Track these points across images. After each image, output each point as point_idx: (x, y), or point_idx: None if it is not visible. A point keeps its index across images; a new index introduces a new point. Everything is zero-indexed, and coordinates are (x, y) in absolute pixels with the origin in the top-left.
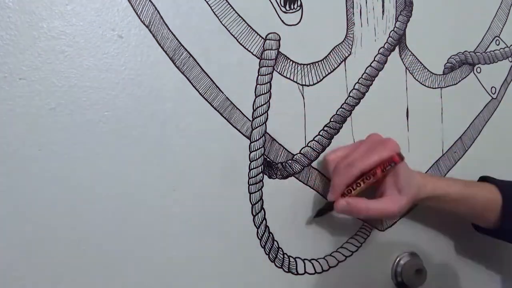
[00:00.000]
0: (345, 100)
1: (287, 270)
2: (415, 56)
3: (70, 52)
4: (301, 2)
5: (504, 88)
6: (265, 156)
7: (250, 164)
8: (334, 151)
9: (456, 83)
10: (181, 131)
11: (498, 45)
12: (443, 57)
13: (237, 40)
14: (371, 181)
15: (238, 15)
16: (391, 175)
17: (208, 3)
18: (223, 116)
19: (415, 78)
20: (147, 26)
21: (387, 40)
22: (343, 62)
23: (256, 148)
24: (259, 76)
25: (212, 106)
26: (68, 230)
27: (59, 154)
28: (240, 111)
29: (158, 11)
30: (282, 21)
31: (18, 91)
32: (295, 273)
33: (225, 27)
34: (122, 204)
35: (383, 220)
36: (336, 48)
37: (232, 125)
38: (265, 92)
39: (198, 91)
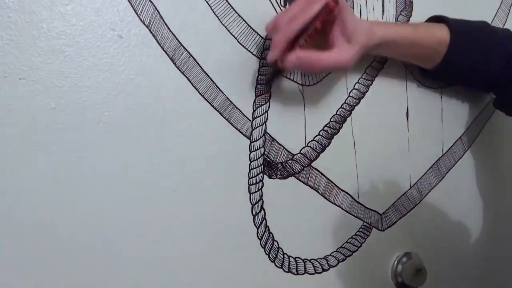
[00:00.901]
0: (345, 100)
1: (287, 270)
2: None
3: (70, 52)
4: None
5: None
6: (265, 156)
7: (250, 164)
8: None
9: None
10: (181, 131)
11: None
12: None
13: (237, 40)
14: (312, 32)
15: (238, 15)
16: (337, 24)
17: (208, 3)
18: (223, 116)
19: (415, 78)
20: (147, 26)
21: None
22: None
23: (256, 148)
24: (259, 76)
25: (212, 106)
26: (68, 230)
27: (59, 154)
28: (240, 111)
29: (158, 11)
30: None
31: (18, 91)
32: (295, 273)
33: (225, 27)
34: (122, 204)
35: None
36: None
37: (232, 125)
38: (265, 92)
39: (198, 91)
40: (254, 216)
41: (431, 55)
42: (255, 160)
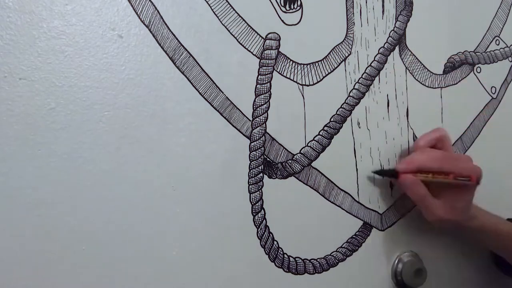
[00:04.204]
0: (345, 100)
1: (287, 270)
2: (415, 56)
3: (70, 52)
4: (301, 2)
5: (504, 88)
6: (265, 156)
7: (250, 164)
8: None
9: (456, 83)
10: (181, 131)
11: (498, 45)
12: (443, 57)
13: (237, 40)
14: (439, 180)
15: (238, 15)
16: (454, 191)
17: (208, 3)
18: (223, 116)
19: (415, 78)
20: (147, 26)
21: (387, 40)
22: (343, 62)
23: (256, 148)
24: (259, 76)
25: (212, 106)
26: (68, 230)
27: (59, 154)
28: (240, 111)
29: (158, 11)
30: (282, 21)
31: (18, 91)
32: (295, 273)
33: (225, 27)
34: (122, 204)
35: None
36: (336, 48)
37: (232, 125)
38: (265, 92)
39: (198, 91)
40: (254, 216)
41: None
42: (255, 160)
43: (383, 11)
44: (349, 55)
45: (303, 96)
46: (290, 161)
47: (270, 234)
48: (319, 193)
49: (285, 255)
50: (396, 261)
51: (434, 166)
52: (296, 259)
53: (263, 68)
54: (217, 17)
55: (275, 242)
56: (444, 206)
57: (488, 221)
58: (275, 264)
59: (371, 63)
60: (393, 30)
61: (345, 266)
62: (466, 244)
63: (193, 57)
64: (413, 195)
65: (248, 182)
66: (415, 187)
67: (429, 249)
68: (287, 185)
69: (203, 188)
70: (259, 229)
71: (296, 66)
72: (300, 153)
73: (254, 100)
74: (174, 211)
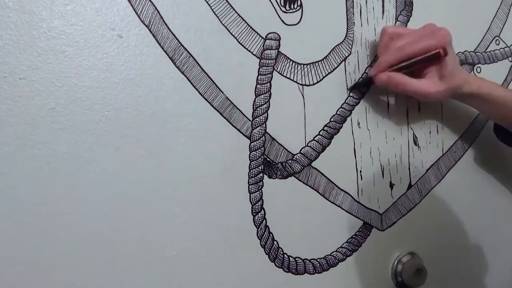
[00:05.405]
0: (345, 100)
1: (287, 270)
2: None
3: (70, 52)
4: (301, 2)
5: None
6: (265, 156)
7: (250, 164)
8: (393, 27)
9: None
10: (181, 131)
11: (498, 45)
12: None
13: (237, 40)
14: (410, 63)
15: (238, 15)
16: (433, 65)
17: (208, 3)
18: (223, 116)
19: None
20: (147, 26)
21: None
22: (343, 62)
23: (256, 148)
24: (259, 76)
25: (212, 106)
26: (68, 230)
27: (59, 154)
28: (240, 111)
29: (158, 11)
30: (282, 21)
31: (18, 91)
32: (295, 273)
33: (225, 27)
34: (122, 204)
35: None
36: (336, 48)
37: (232, 125)
38: (265, 92)
39: (198, 91)
40: (254, 216)
41: None
42: (255, 160)
43: (383, 11)
44: (349, 55)
45: (303, 96)
46: (290, 161)
47: (270, 234)
48: (319, 193)
49: (285, 255)
50: (396, 261)
51: (401, 56)
52: (296, 259)
53: (263, 68)
54: (217, 17)
55: (275, 242)
56: (431, 80)
57: (484, 86)
58: (275, 264)
59: (371, 63)
60: None
61: (345, 266)
62: (466, 244)
63: (193, 57)
64: (397, 86)
65: (248, 182)
66: (394, 79)
67: (429, 249)
68: (287, 185)
69: (203, 188)
70: (259, 229)
71: (296, 66)
72: (300, 153)
73: (254, 100)
74: (174, 211)
